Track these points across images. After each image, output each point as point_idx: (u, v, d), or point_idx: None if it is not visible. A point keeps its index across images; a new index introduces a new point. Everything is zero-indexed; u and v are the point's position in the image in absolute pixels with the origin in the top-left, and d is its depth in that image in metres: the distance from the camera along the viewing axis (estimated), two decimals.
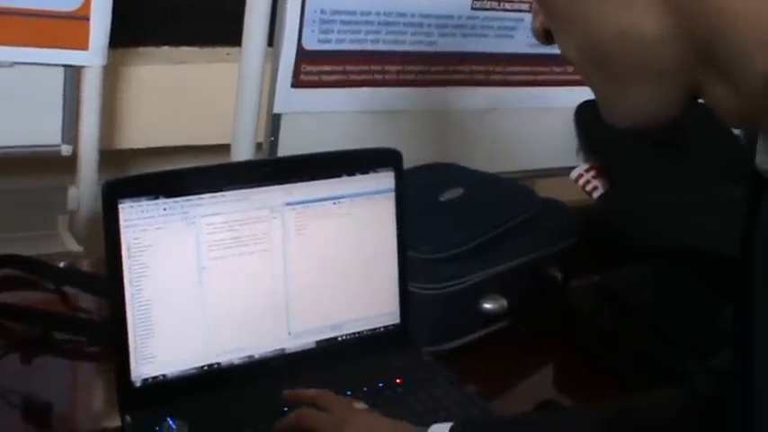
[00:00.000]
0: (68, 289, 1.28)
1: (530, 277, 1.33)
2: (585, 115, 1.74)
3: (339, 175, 1.11)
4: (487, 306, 1.26)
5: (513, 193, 1.41)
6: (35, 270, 1.29)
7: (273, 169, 1.09)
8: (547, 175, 1.78)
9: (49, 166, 1.60)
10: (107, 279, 1.00)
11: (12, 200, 1.60)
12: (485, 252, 1.28)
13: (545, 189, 1.72)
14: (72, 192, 1.58)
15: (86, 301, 1.28)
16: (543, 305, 1.34)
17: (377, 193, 1.13)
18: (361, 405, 1.00)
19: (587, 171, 1.74)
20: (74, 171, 1.58)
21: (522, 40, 1.66)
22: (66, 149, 1.56)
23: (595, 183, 1.66)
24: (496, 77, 1.67)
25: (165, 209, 1.01)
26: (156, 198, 1.00)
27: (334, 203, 1.11)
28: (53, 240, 1.58)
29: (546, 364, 1.33)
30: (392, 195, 1.14)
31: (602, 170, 1.72)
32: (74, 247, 1.56)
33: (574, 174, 1.73)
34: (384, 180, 1.14)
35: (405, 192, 1.15)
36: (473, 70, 1.63)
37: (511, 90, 1.68)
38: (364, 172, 1.12)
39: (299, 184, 1.08)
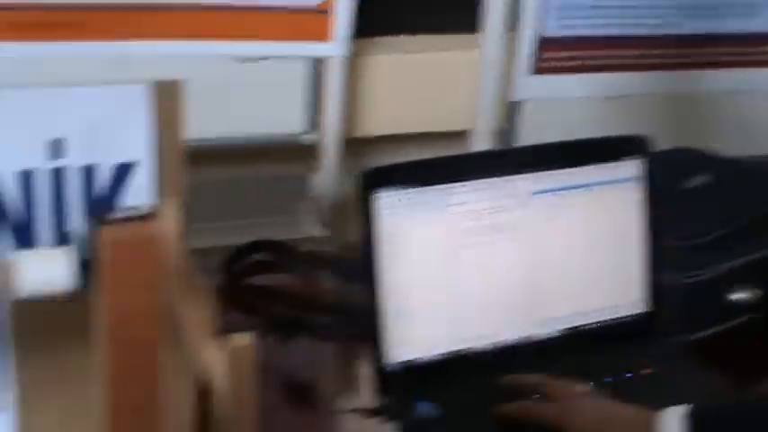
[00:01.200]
0: (318, 272, 1.33)
1: None
2: None
3: (587, 164, 1.10)
4: (736, 297, 1.23)
5: (763, 182, 1.36)
6: (285, 253, 1.36)
7: (521, 158, 1.09)
8: None
9: (292, 153, 1.67)
10: (362, 265, 1.04)
11: (256, 187, 1.68)
12: (735, 241, 1.25)
13: None
14: (314, 179, 1.65)
15: (336, 282, 1.32)
16: None
17: (624, 180, 1.12)
18: (583, 388, 0.99)
19: None
20: (315, 159, 1.64)
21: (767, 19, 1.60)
22: (308, 138, 1.63)
23: None
24: (739, 58, 1.61)
25: (416, 197, 1.03)
26: (410, 187, 1.03)
27: (582, 191, 1.10)
28: (296, 226, 1.65)
29: None
30: (639, 183, 1.13)
31: None
32: (318, 232, 1.62)
33: None
34: (631, 167, 1.13)
35: (654, 179, 1.13)
36: (715, 52, 1.58)
37: (756, 71, 1.61)
38: (612, 159, 1.11)
39: (546, 173, 1.09)
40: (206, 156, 1.58)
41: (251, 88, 1.57)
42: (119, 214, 0.57)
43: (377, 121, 1.71)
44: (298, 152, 1.65)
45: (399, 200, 1.02)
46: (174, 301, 0.76)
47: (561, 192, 1.09)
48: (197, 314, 0.78)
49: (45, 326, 0.86)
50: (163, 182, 0.89)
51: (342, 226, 1.63)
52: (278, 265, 1.35)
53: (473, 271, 1.07)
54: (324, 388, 1.09)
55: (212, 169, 1.59)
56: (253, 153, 1.66)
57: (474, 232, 1.06)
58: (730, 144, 1.56)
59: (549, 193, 1.09)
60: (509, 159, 1.09)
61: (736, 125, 1.64)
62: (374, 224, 1.02)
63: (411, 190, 1.03)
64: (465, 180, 1.05)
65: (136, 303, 0.57)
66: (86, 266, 0.58)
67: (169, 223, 0.79)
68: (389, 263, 1.03)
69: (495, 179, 1.07)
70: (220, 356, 0.71)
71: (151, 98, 0.87)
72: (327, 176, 1.64)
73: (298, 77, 1.61)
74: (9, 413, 0.90)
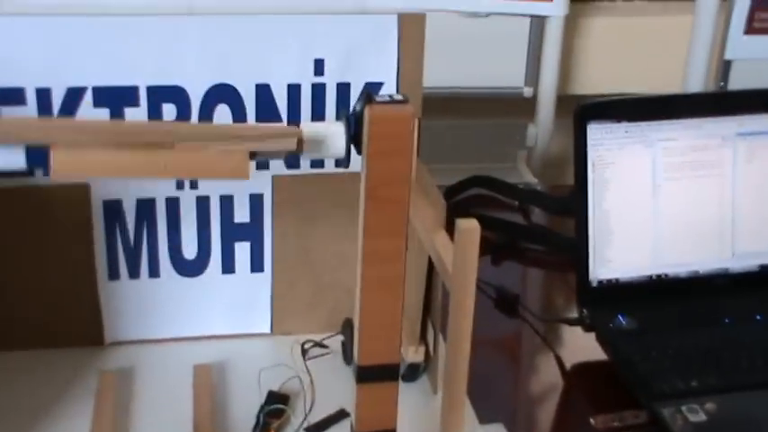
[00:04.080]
0: (528, 207, 1.46)
1: None
2: None
3: None
4: None
5: None
6: (500, 189, 1.48)
7: (727, 101, 1.17)
8: None
9: (512, 106, 1.79)
10: (573, 191, 1.15)
11: (480, 134, 1.81)
12: None
13: None
14: (531, 129, 1.77)
15: (544, 217, 1.44)
16: None
17: None
18: None
19: None
20: (533, 111, 1.76)
21: None
22: (527, 91, 1.75)
23: None
24: None
25: (626, 131, 1.13)
26: (620, 121, 1.13)
27: None
28: (512, 172, 1.78)
29: None
30: None
31: None
32: (531, 178, 1.74)
33: None
34: None
35: None
36: None
37: None
38: None
39: (751, 116, 1.16)
40: (436, 104, 1.74)
41: (478, 44, 1.71)
42: (381, 98, 0.71)
43: (591, 81, 1.82)
44: (517, 104, 1.78)
45: (608, 132, 1.13)
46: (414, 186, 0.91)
47: (765, 135, 1.17)
48: (431, 208, 0.92)
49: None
50: None
51: (552, 173, 1.74)
52: (492, 199, 1.48)
53: (675, 203, 1.16)
54: (526, 300, 1.21)
55: (442, 116, 1.74)
56: (478, 103, 1.80)
57: (679, 167, 1.15)
58: None
59: (753, 136, 1.16)
60: (716, 102, 1.17)
61: None
62: (585, 153, 1.13)
63: (620, 124, 1.13)
64: (673, 118, 1.15)
65: (392, 168, 0.71)
66: (355, 139, 0.72)
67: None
68: (599, 189, 1.14)
69: (701, 119, 1.15)
70: (449, 240, 0.85)
71: (399, 28, 1.02)
72: (542, 128, 1.76)
73: (521, 35, 1.74)
74: (268, 276, 1.07)
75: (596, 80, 1.82)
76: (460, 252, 0.83)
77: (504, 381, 1.11)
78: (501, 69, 1.73)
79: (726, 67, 1.54)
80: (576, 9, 1.77)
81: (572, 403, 1.08)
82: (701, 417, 0.98)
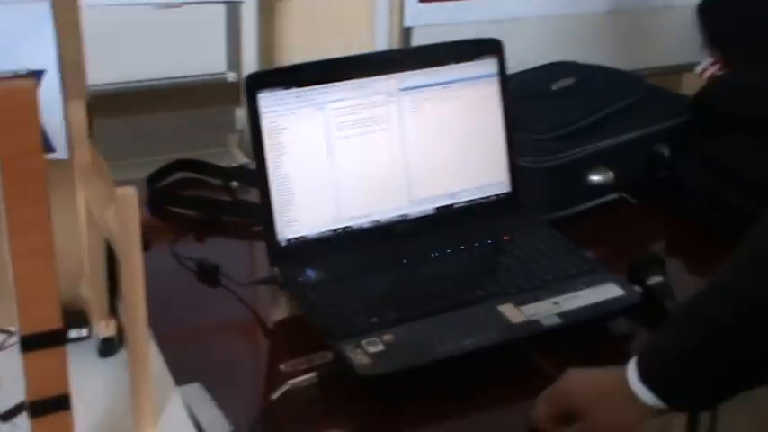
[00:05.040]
0: (234, 185, 1.51)
1: (637, 153, 1.46)
2: (707, 11, 1.82)
3: (446, 63, 1.27)
4: (595, 178, 1.40)
5: (620, 79, 1.54)
6: (205, 171, 1.53)
7: (389, 60, 1.27)
8: (671, 72, 1.88)
9: (218, 92, 1.83)
10: (254, 160, 1.21)
11: (187, 124, 1.84)
12: (593, 130, 1.42)
13: (669, 87, 1.82)
14: (239, 113, 1.82)
15: (249, 193, 1.50)
16: (650, 178, 1.47)
17: (482, 77, 1.30)
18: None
19: (712, 65, 1.82)
20: (239, 95, 1.81)
21: None
22: (231, 76, 1.80)
23: (713, 70, 1.75)
24: None
25: (297, 96, 1.20)
26: (289, 88, 1.20)
27: (444, 88, 1.27)
28: (226, 156, 1.82)
29: (655, 230, 1.45)
30: (496, 79, 1.30)
31: (726, 62, 1.80)
32: (243, 160, 1.79)
33: (699, 68, 1.82)
34: (488, 66, 1.30)
35: (507, 76, 1.30)
36: None
37: None
38: (469, 59, 1.29)
39: (411, 72, 1.26)
40: (137, 97, 1.76)
41: (177, 34, 1.74)
42: (3, 75, 0.74)
43: (292, 58, 1.88)
44: (224, 90, 1.82)
45: (279, 99, 1.19)
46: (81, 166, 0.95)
47: (425, 88, 1.27)
48: (104, 188, 0.96)
49: None
50: (68, 87, 1.06)
51: None
52: (200, 181, 1.53)
53: (351, 160, 1.24)
54: (227, 269, 1.26)
55: (149, 109, 1.76)
56: (184, 93, 1.82)
57: (350, 125, 1.23)
58: (611, 59, 1.72)
59: (415, 90, 1.26)
60: (377, 61, 1.26)
61: (615, 41, 1.82)
62: (259, 121, 1.19)
63: (290, 90, 1.20)
64: (339, 80, 1.22)
65: (23, 140, 0.74)
66: None
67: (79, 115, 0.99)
68: (276, 154, 1.20)
69: (366, 79, 1.24)
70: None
71: (53, 14, 1.04)
72: None
73: (219, 21, 1.78)
74: None
75: (297, 57, 1.88)
76: (120, 216, 0.87)
77: (205, 344, 1.15)
78: (202, 57, 1.77)
79: (407, 33, 1.65)
80: None
81: (269, 356, 1.15)
82: (379, 347, 1.06)
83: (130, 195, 0.87)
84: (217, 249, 1.35)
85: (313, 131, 1.22)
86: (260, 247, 1.34)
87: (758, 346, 0.94)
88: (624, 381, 0.97)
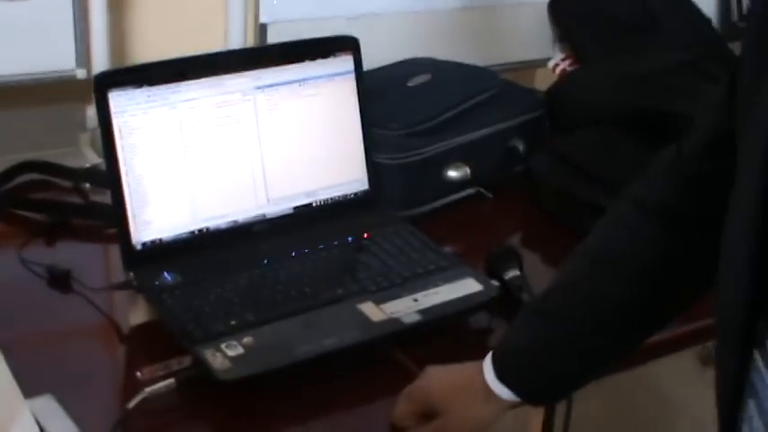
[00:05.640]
0: (86, 186, 1.46)
1: (493, 148, 1.48)
2: (558, 7, 1.86)
3: (302, 60, 1.26)
4: (451, 174, 1.42)
5: (476, 75, 1.56)
6: (53, 172, 1.47)
7: (243, 57, 1.25)
8: (525, 67, 1.92)
9: (67, 89, 1.77)
10: (105, 162, 1.17)
11: (33, 124, 1.77)
12: (449, 126, 1.44)
13: (523, 82, 1.85)
14: (90, 111, 1.76)
15: (102, 194, 1.45)
16: (506, 173, 1.49)
17: (338, 74, 1.29)
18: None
19: (563, 60, 1.87)
20: (90, 92, 1.76)
21: None
22: (81, 73, 1.74)
23: (564, 66, 1.80)
24: None
25: (149, 95, 1.17)
26: (141, 86, 1.16)
27: (300, 85, 1.26)
28: (77, 156, 1.76)
29: (511, 223, 1.48)
30: (352, 76, 1.30)
31: (576, 58, 1.85)
32: (96, 160, 1.73)
33: (551, 63, 1.86)
34: (344, 63, 1.29)
35: (363, 73, 1.30)
36: None
37: None
38: (325, 56, 1.28)
39: (266, 70, 1.24)
40: None
41: (22, 28, 1.67)
42: None
43: (144, 53, 1.83)
44: (73, 87, 1.76)
45: (130, 98, 1.16)
46: None
47: (281, 86, 1.25)
48: None
49: None
50: None
51: None
52: (47, 183, 1.47)
53: (207, 160, 1.21)
54: (80, 275, 1.22)
55: None
56: (28, 91, 1.75)
57: (205, 125, 1.21)
58: (465, 55, 1.74)
59: (271, 88, 1.24)
60: (231, 59, 1.24)
61: (469, 38, 1.84)
62: (110, 121, 1.15)
63: (142, 89, 1.17)
64: (193, 79, 1.20)
65: None
66: None
67: None
68: (129, 155, 1.16)
69: (220, 77, 1.21)
70: None
71: None
72: None
73: (65, 15, 1.72)
74: None
75: (150, 52, 1.83)
76: None
77: (57, 353, 1.11)
78: (49, 53, 1.70)
79: (263, 29, 1.62)
80: None
81: (125, 363, 1.11)
82: (239, 350, 1.04)
83: None
84: (68, 254, 1.30)
85: (166, 131, 1.19)
86: (114, 251, 1.31)
87: (605, 339, 0.97)
88: (481, 376, 0.98)
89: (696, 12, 1.90)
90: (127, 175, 1.17)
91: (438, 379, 1.01)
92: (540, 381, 0.98)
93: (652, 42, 1.81)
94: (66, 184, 1.47)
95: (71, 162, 1.68)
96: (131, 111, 1.16)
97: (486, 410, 0.98)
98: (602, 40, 1.81)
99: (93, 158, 1.76)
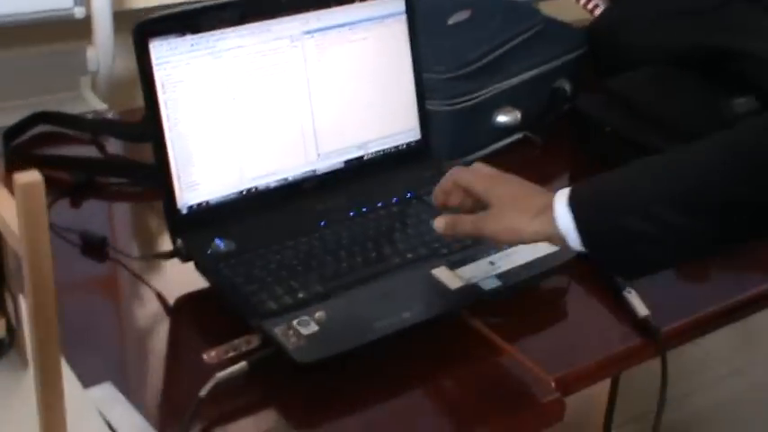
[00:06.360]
0: (102, 138, 1.35)
1: (539, 89, 1.39)
2: None
3: (351, 1, 1.15)
4: (502, 118, 1.33)
5: (517, 12, 1.46)
6: (67, 123, 1.36)
7: (290, 0, 1.13)
8: None
9: (65, 29, 1.64)
10: (146, 116, 1.06)
11: (31, 66, 1.64)
12: (496, 68, 1.34)
13: (547, 12, 1.76)
14: (91, 52, 1.63)
15: (121, 147, 1.34)
16: (555, 115, 1.41)
17: (389, 16, 1.18)
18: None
19: None
20: (90, 33, 1.63)
21: None
22: (79, 12, 1.61)
23: (596, 1, 1.70)
24: None
25: (192, 44, 1.06)
26: (184, 34, 1.05)
27: (350, 29, 1.16)
28: (78, 102, 1.64)
29: (561, 168, 1.40)
30: (404, 18, 1.19)
31: None
32: (98, 105, 1.61)
33: None
34: (395, 3, 1.19)
35: (416, 14, 1.19)
36: None
37: None
38: None
39: (314, 13, 1.13)
40: None
41: None
42: None
43: None
44: (72, 27, 1.63)
45: (173, 48, 1.04)
46: None
47: (330, 30, 1.14)
48: None
49: None
50: None
51: (122, 97, 1.63)
52: (60, 135, 1.35)
53: (254, 113, 1.11)
54: (117, 241, 1.12)
55: None
56: (26, 31, 1.62)
57: (251, 75, 1.10)
58: None
59: (320, 32, 1.14)
60: (278, 2, 1.12)
61: None
62: (152, 74, 1.04)
63: (185, 37, 1.05)
64: (236, 25, 1.08)
65: None
66: None
67: None
68: (172, 111, 1.06)
69: (267, 21, 1.10)
70: (11, 198, 0.74)
71: None
72: (102, 50, 1.63)
73: None
74: None
75: None
76: (25, 212, 0.72)
77: (107, 334, 1.02)
78: None
79: None
80: None
81: (182, 342, 1.02)
82: (313, 327, 0.95)
83: (36, 184, 0.73)
84: (98, 216, 1.20)
85: (211, 83, 1.08)
86: (150, 212, 1.21)
87: (704, 220, 0.88)
88: (549, 195, 0.94)
89: None
90: (171, 131, 1.06)
91: (501, 177, 1.00)
92: (607, 224, 0.90)
93: None
94: (82, 135, 1.35)
95: (72, 108, 1.56)
96: (174, 62, 1.05)
97: (531, 225, 0.93)
98: None
99: (95, 104, 1.64)
